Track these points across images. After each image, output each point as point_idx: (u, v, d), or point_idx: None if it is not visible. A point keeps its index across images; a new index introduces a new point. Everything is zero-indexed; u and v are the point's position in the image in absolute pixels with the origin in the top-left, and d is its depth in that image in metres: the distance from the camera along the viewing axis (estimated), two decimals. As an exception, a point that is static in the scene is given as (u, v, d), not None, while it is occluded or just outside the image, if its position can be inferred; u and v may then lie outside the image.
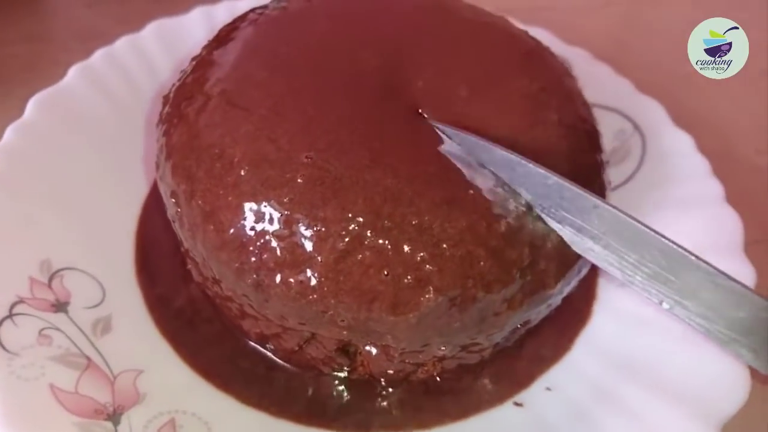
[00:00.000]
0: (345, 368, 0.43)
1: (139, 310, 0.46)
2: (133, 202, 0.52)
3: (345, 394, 0.44)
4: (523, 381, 0.44)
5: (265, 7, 0.48)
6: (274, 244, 0.36)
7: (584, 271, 0.41)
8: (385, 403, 0.43)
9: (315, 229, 0.36)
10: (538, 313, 0.41)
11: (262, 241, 0.36)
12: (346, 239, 0.35)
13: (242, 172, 0.37)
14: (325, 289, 0.36)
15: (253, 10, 0.48)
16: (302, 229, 0.36)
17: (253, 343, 0.45)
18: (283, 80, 0.41)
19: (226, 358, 0.45)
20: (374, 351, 0.40)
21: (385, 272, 0.35)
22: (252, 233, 0.37)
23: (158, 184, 0.43)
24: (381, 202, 0.36)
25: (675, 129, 0.56)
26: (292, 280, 0.36)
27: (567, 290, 0.41)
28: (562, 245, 0.38)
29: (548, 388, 0.44)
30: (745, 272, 0.46)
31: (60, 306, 0.43)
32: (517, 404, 0.43)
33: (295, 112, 0.39)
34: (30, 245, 0.45)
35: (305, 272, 0.36)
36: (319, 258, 0.36)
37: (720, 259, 0.47)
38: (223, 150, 0.38)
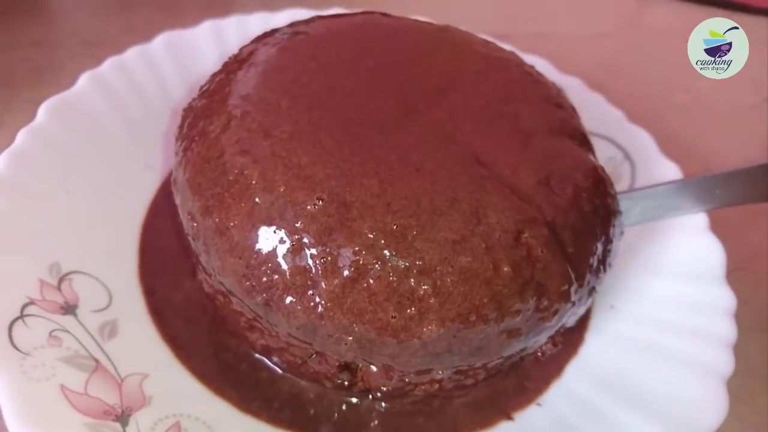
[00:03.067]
0: (345, 382, 0.44)
1: (144, 315, 0.47)
2: (139, 209, 0.54)
3: (343, 408, 0.45)
4: (516, 398, 0.46)
5: (286, 30, 0.50)
6: (284, 267, 0.37)
7: (583, 308, 0.43)
8: (378, 420, 0.45)
9: (323, 255, 0.37)
10: (535, 342, 0.43)
11: (272, 263, 0.38)
12: (352, 268, 0.37)
13: (257, 195, 0.39)
14: (331, 313, 0.37)
15: (273, 32, 0.50)
16: (311, 255, 0.37)
17: (254, 354, 0.46)
18: (304, 109, 0.42)
19: (225, 365, 0.46)
20: (375, 369, 0.42)
21: (390, 302, 0.37)
22: (264, 255, 0.38)
23: (174, 196, 0.44)
24: (387, 234, 0.37)
25: (663, 159, 0.59)
26: (299, 303, 0.37)
27: (563, 322, 0.42)
28: (565, 284, 0.40)
29: (539, 404, 0.46)
30: (726, 298, 0.48)
31: (69, 308, 0.44)
32: (509, 417, 0.45)
33: (313, 141, 0.40)
34: (40, 248, 0.46)
35: (313, 296, 0.37)
36: (326, 283, 0.37)
37: (702, 285, 0.50)
38: (242, 171, 0.39)
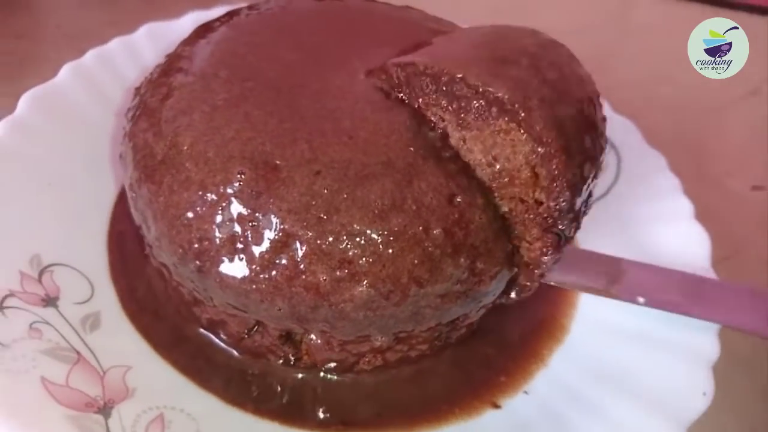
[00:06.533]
0: (291, 357, 0.44)
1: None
2: (123, 200, 0.53)
3: (319, 391, 0.45)
4: (500, 385, 0.46)
5: (245, 10, 0.50)
6: (214, 233, 0.38)
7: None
8: (364, 398, 0.45)
9: (251, 220, 0.37)
10: (477, 309, 0.43)
11: (203, 229, 0.38)
12: (281, 232, 0.37)
13: (187, 162, 0.39)
14: (261, 278, 0.37)
15: (228, 13, 0.50)
16: (239, 219, 0.37)
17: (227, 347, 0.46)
18: (240, 79, 0.42)
19: (202, 356, 0.45)
20: (316, 339, 0.42)
21: (319, 264, 0.37)
22: (194, 220, 0.38)
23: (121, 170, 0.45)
24: (316, 198, 0.37)
25: (649, 148, 0.59)
26: (230, 269, 0.38)
27: (500, 288, 0.42)
28: (499, 246, 0.40)
29: (526, 392, 0.46)
30: (712, 285, 0.48)
31: (50, 301, 0.44)
32: (496, 406, 0.45)
33: (241, 112, 0.40)
34: (20, 240, 0.46)
35: (242, 261, 0.37)
36: (255, 248, 0.37)
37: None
38: (174, 139, 0.40)
